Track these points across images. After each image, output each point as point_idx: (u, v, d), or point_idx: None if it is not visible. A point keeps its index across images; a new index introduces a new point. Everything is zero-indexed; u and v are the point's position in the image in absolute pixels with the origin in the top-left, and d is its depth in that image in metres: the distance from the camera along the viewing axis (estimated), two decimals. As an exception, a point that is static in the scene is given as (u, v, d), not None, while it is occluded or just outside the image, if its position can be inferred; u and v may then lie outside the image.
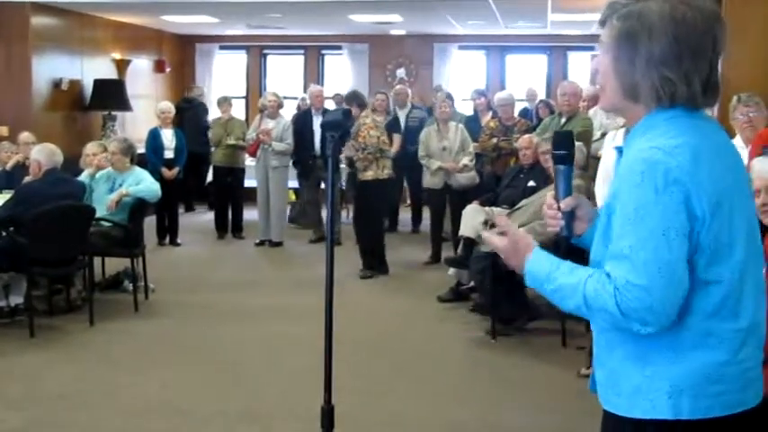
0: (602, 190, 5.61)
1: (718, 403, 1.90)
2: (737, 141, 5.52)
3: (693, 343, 1.89)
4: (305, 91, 12.97)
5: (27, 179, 7.23)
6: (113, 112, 12.38)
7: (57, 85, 11.62)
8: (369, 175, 8.58)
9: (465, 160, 9.02)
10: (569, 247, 2.25)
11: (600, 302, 1.87)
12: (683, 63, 1.89)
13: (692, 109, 1.94)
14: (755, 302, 1.94)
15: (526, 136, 7.91)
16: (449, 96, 9.85)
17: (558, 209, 2.13)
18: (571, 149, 2.18)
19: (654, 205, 1.82)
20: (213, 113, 12.33)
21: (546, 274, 1.98)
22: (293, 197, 11.52)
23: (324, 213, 10.46)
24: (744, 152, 5.31)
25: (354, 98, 8.95)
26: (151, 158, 10.05)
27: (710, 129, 1.97)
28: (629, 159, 1.92)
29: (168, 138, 10.25)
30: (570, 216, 2.14)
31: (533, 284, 2.03)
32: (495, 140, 9.02)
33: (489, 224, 6.98)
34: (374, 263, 8.78)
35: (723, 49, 1.94)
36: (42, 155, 6.97)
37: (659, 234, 1.82)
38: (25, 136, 8.72)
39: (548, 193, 2.21)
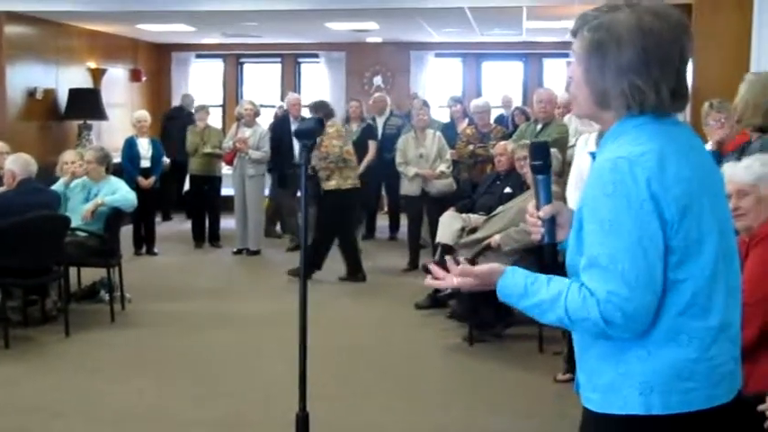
0: (573, 194, 5.65)
1: (689, 399, 1.94)
2: (709, 147, 5.56)
3: (664, 341, 1.94)
4: (282, 99, 12.97)
5: (1, 189, 7.18)
6: (89, 122, 12.32)
7: (31, 94, 11.55)
8: (331, 184, 8.63)
9: (442, 167, 9.06)
10: (553, 254, 2.30)
11: (582, 314, 1.91)
12: (652, 72, 1.94)
13: (661, 115, 1.99)
14: (726, 301, 1.98)
15: (501, 143, 7.95)
16: (425, 104, 9.88)
17: (539, 217, 2.19)
18: (548, 159, 2.24)
19: (627, 215, 1.87)
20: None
21: (522, 288, 2.03)
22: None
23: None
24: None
25: (320, 108, 8.97)
26: (127, 167, 10.01)
27: (680, 133, 2.02)
28: (598, 167, 1.97)
29: (144, 147, 10.20)
30: (551, 223, 2.19)
31: (508, 300, 2.08)
32: (471, 147, 9.05)
33: (467, 231, 7.01)
34: (317, 265, 8.76)
35: (690, 57, 2.00)
36: (17, 165, 6.93)
37: (635, 243, 1.87)
38: (-1, 146, 8.66)
39: (529, 203, 2.26)
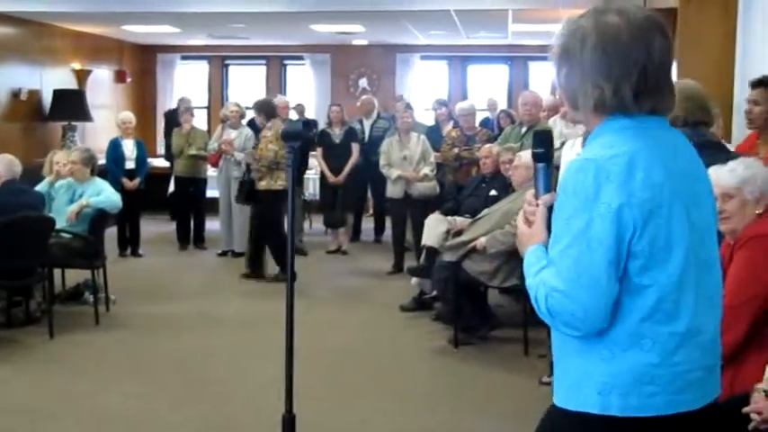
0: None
1: (650, 404, 1.94)
2: None
3: (627, 344, 1.95)
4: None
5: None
6: (73, 123, 12.28)
7: (15, 95, 11.51)
8: (262, 184, 8.83)
9: (425, 170, 9.08)
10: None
11: (538, 304, 1.96)
12: (613, 72, 1.96)
13: (644, 117, 1.98)
14: (696, 308, 1.97)
15: (486, 146, 7.97)
16: (408, 106, 9.91)
17: (537, 206, 2.14)
18: (550, 148, 2.21)
19: (582, 215, 1.89)
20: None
21: (526, 268, 2.04)
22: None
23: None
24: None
25: (262, 107, 9.09)
26: (112, 169, 9.97)
27: (664, 137, 2.01)
28: (568, 167, 1.97)
29: (129, 148, 10.17)
30: (550, 212, 2.13)
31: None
32: (456, 150, 9.06)
33: (452, 233, 7.02)
34: (259, 266, 9.03)
35: (665, 57, 1.99)
36: (1, 166, 6.90)
37: (584, 243, 1.88)
38: (-17, 147, 8.62)
39: (528, 191, 2.23)
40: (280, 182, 8.82)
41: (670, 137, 2.04)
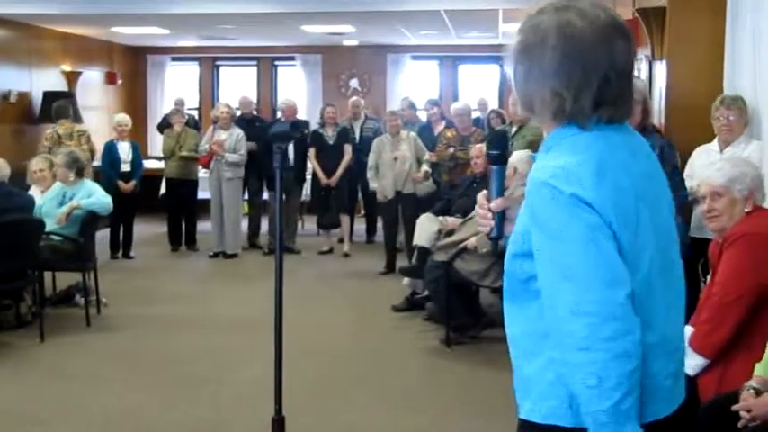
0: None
1: None
2: (713, 145, 5.55)
3: None
4: (258, 102, 12.96)
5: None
6: (63, 125, 12.23)
7: (5, 97, 11.48)
8: None
9: (425, 166, 9.14)
10: (497, 247, 2.19)
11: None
12: (573, 78, 1.84)
13: (588, 129, 1.87)
14: (666, 314, 1.89)
15: (477, 145, 7.97)
16: (411, 106, 10.04)
17: (489, 209, 2.08)
18: (506, 150, 2.15)
19: (572, 220, 1.77)
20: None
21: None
22: (246, 209, 11.34)
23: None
24: (717, 155, 5.35)
25: (56, 110, 10.19)
26: (107, 171, 9.95)
27: (622, 141, 1.90)
28: (533, 176, 1.86)
29: (125, 151, 10.14)
30: (501, 217, 2.08)
31: None
32: (451, 150, 9.07)
33: (444, 233, 7.02)
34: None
35: (627, 63, 1.87)
36: (-10, 169, 6.87)
37: (588, 243, 1.76)
38: (-27, 149, 8.58)
39: (480, 193, 2.15)
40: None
41: (627, 140, 1.92)
